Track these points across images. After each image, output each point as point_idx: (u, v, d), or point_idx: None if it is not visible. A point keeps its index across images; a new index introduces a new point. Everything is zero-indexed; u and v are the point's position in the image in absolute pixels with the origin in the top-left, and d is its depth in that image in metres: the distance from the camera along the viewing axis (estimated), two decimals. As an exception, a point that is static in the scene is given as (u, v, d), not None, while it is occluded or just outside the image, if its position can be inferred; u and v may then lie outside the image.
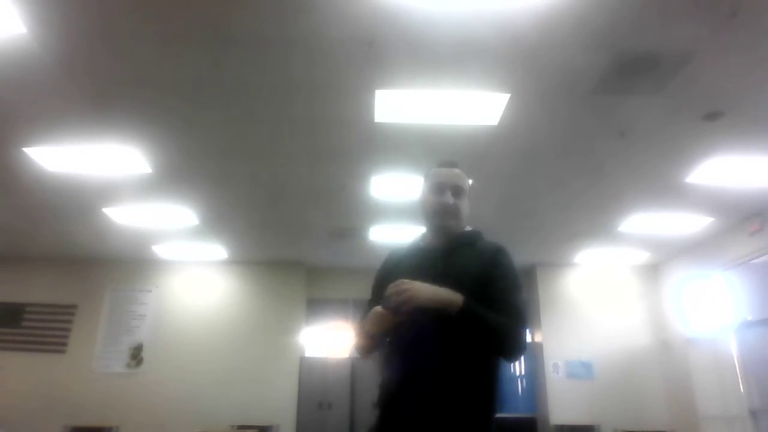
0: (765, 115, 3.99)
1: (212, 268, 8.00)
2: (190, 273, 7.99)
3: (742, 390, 6.18)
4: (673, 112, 3.97)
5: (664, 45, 3.26)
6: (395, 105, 3.89)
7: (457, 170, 1.83)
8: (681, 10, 2.97)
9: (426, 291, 1.50)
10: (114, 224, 6.35)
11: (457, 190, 1.79)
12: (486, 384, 1.56)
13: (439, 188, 1.78)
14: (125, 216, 6.13)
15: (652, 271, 8.08)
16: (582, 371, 7.56)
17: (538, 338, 8.02)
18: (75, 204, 5.78)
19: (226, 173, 5.12)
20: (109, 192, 5.47)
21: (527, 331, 1.60)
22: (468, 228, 1.85)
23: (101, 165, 4.84)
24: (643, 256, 7.67)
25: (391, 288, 1.50)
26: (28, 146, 4.51)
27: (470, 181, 1.87)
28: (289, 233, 6.90)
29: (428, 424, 1.47)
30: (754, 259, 6.04)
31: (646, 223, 6.23)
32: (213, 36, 3.23)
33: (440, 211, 1.76)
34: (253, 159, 4.85)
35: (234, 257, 7.81)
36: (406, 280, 1.51)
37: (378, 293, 1.71)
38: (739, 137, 4.29)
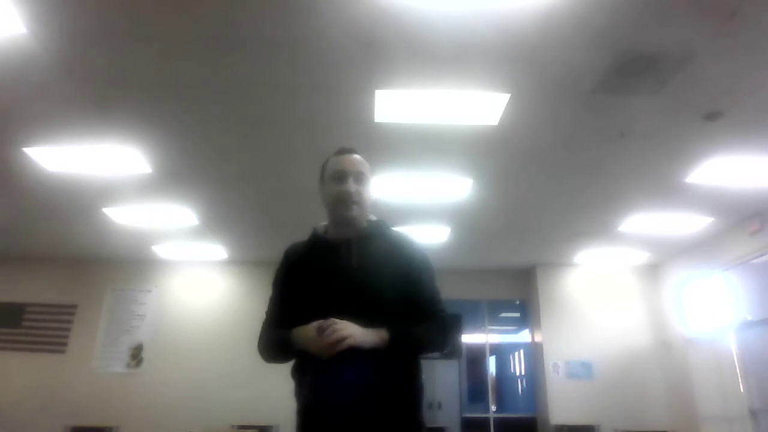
0: (765, 115, 3.99)
1: (212, 268, 8.00)
2: (190, 273, 7.99)
3: (742, 390, 6.18)
4: (673, 112, 3.97)
5: (664, 45, 3.26)
6: (395, 105, 3.89)
7: (357, 156, 1.71)
8: (681, 10, 2.98)
9: (358, 331, 1.45)
10: (114, 224, 6.35)
11: (359, 177, 1.67)
12: (411, 386, 1.55)
13: (339, 176, 1.66)
14: (125, 216, 6.13)
15: (652, 271, 8.08)
16: (582, 371, 7.55)
17: (538, 338, 8.02)
18: (75, 204, 5.79)
19: (226, 173, 5.12)
20: (109, 192, 5.47)
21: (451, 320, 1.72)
22: (373, 217, 1.75)
23: (101, 165, 4.84)
24: (643, 256, 7.67)
25: (324, 325, 1.43)
26: (28, 146, 4.51)
27: (369, 168, 1.75)
28: (289, 233, 6.84)
29: (354, 428, 1.44)
30: (754, 259, 6.05)
31: (646, 223, 6.23)
32: (213, 37, 3.23)
33: (343, 199, 1.64)
34: (253, 159, 4.85)
35: (234, 257, 7.81)
36: (338, 321, 1.43)
37: (282, 291, 1.70)
38: (739, 137, 4.29)
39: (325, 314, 1.47)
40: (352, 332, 1.43)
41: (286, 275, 1.72)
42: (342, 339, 1.41)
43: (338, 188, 1.66)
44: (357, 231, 1.66)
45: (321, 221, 1.85)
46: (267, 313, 1.74)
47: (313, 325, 1.45)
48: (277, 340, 1.62)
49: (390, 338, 1.48)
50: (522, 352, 12.10)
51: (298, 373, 1.63)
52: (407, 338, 1.52)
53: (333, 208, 1.68)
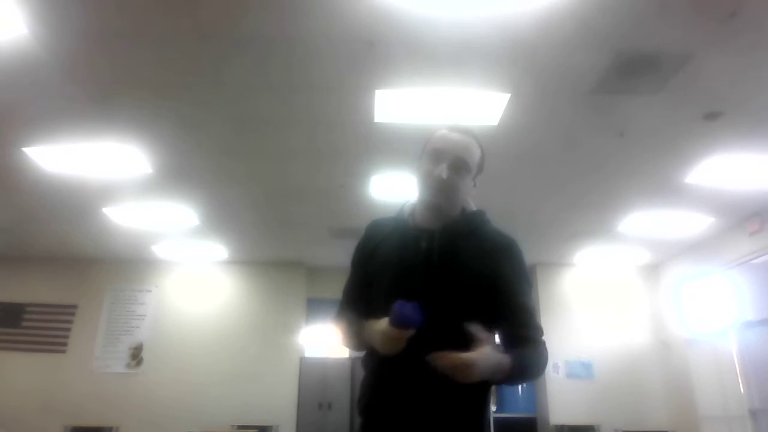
0: (765, 114, 3.99)
1: (212, 268, 8.00)
2: (190, 273, 7.99)
3: (742, 390, 6.18)
4: (673, 111, 3.97)
5: (664, 45, 3.26)
6: (395, 105, 3.89)
7: (465, 138, 1.46)
8: (681, 10, 2.98)
9: (485, 368, 1.21)
10: (114, 224, 6.35)
11: (458, 164, 1.41)
12: (480, 388, 1.38)
13: (436, 156, 1.43)
14: (125, 216, 6.12)
15: (652, 271, 8.07)
16: (582, 371, 7.55)
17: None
18: (75, 204, 5.78)
19: (227, 173, 5.12)
20: (109, 192, 5.47)
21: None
22: (471, 207, 1.51)
23: (101, 165, 4.83)
24: (643, 256, 7.67)
25: (446, 359, 1.20)
26: (28, 146, 4.51)
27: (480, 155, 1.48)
28: (289, 233, 6.90)
29: (418, 427, 1.30)
30: (754, 259, 6.04)
31: (646, 223, 6.22)
32: (213, 36, 3.23)
33: (430, 184, 1.40)
34: (253, 159, 4.84)
35: (234, 257, 7.80)
36: (469, 356, 1.19)
37: (356, 273, 1.54)
38: (739, 137, 4.29)
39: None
40: (477, 369, 1.19)
41: (361, 257, 1.53)
42: (463, 375, 1.20)
43: (429, 169, 1.42)
44: (445, 223, 1.43)
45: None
46: (343, 291, 1.58)
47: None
48: (351, 331, 1.46)
49: (510, 369, 1.26)
50: (522, 352, 12.04)
51: (364, 368, 1.45)
52: (524, 367, 1.32)
53: (419, 190, 1.46)
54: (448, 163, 1.41)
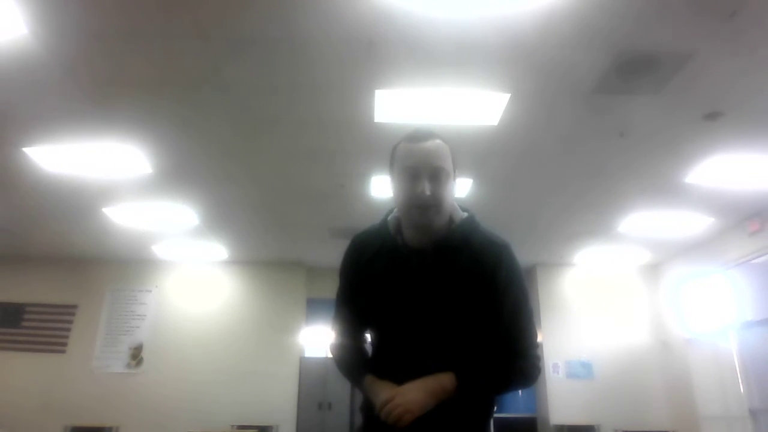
0: (765, 115, 3.99)
1: (212, 268, 8.00)
2: (190, 273, 7.99)
3: (742, 390, 6.18)
4: (672, 112, 3.97)
5: (664, 45, 3.26)
6: (395, 105, 3.89)
7: (432, 143, 1.35)
8: (681, 10, 2.97)
9: (418, 400, 1.26)
10: (114, 224, 6.35)
11: (436, 174, 1.33)
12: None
13: (411, 173, 1.33)
14: (125, 216, 6.12)
15: (652, 271, 8.07)
16: (582, 371, 7.55)
17: (538, 338, 8.02)
18: (75, 204, 5.78)
19: (227, 173, 5.12)
20: (109, 192, 5.47)
21: (539, 348, 1.51)
22: (458, 215, 1.43)
23: (101, 165, 4.83)
24: (644, 256, 7.67)
25: (378, 407, 1.28)
26: (28, 146, 4.51)
27: (451, 156, 1.39)
28: (289, 233, 6.90)
29: (421, 428, 1.30)
30: (754, 259, 6.04)
31: (646, 223, 6.22)
32: (213, 36, 3.23)
33: (416, 204, 1.32)
34: (253, 159, 4.84)
35: (234, 257, 7.81)
36: (394, 396, 1.26)
37: (348, 292, 1.51)
38: (739, 137, 4.29)
39: (392, 335, 1.39)
40: (410, 407, 1.25)
41: (352, 275, 1.49)
42: (400, 418, 1.24)
43: (409, 189, 1.34)
44: (435, 240, 1.37)
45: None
46: (336, 308, 1.55)
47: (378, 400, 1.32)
48: (350, 372, 1.48)
49: (456, 387, 1.29)
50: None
51: (364, 412, 1.47)
52: (477, 383, 1.33)
53: (403, 212, 1.38)
54: (428, 177, 1.33)
